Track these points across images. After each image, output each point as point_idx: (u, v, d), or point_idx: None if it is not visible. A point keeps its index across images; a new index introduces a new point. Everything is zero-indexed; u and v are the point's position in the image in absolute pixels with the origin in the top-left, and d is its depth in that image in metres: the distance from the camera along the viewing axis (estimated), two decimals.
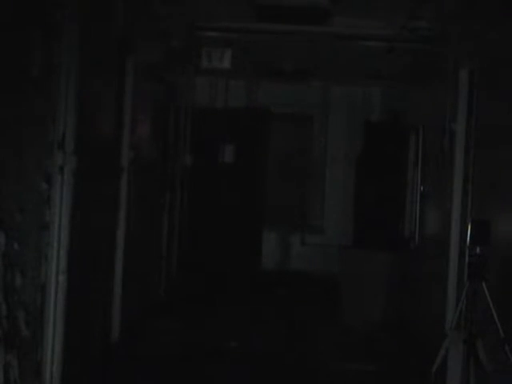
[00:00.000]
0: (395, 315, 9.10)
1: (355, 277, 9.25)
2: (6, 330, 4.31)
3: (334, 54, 9.82)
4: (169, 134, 9.97)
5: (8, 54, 4.25)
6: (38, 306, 4.90)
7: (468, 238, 5.46)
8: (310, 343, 8.27)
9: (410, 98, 9.83)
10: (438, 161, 7.66)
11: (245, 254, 11.78)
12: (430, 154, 8.32)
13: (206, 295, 10.58)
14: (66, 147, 5.18)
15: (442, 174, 7.33)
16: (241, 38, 8.98)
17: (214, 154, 11.87)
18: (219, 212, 11.73)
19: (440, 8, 7.13)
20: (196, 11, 8.32)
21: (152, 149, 8.80)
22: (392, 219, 9.67)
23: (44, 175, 4.91)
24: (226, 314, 9.53)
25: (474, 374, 5.56)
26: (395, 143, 9.77)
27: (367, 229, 10.02)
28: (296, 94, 12.51)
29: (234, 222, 11.74)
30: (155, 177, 9.18)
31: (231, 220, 11.73)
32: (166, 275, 10.04)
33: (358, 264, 9.30)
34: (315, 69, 11.22)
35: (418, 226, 8.66)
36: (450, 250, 6.65)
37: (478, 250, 5.40)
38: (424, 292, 8.12)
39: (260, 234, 12.01)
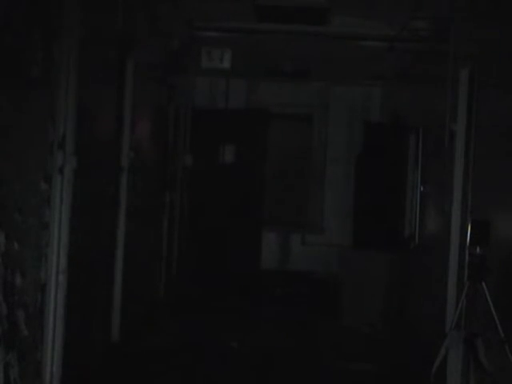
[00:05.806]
0: (395, 315, 9.10)
1: (355, 277, 9.25)
2: (6, 329, 4.30)
3: (334, 54, 9.81)
4: (169, 134, 9.97)
5: (8, 54, 4.25)
6: (38, 306, 4.90)
7: (468, 238, 5.46)
8: (309, 343, 8.27)
9: (410, 98, 9.82)
10: (437, 161, 7.65)
11: (245, 254, 11.78)
12: (429, 154, 8.31)
13: (205, 295, 10.58)
14: (66, 147, 5.18)
15: (441, 174, 7.33)
16: (241, 37, 8.98)
17: (214, 154, 11.86)
18: (219, 212, 11.72)
19: (440, 8, 7.12)
20: (196, 11, 8.32)
21: (152, 149, 8.80)
22: (392, 219, 9.65)
23: (44, 175, 4.91)
24: (225, 313, 9.53)
25: (474, 374, 5.56)
26: (395, 143, 9.75)
27: (367, 229, 10.00)
28: (296, 94, 12.50)
29: (234, 222, 11.73)
30: (155, 177, 9.18)
31: (231, 220, 11.73)
32: (165, 275, 10.03)
33: (358, 264, 9.31)
34: (315, 69, 11.22)
35: (417, 225, 8.66)
36: (449, 250, 6.64)
37: (477, 250, 5.41)
38: (424, 292, 8.12)
39: (260, 233, 12.00)
